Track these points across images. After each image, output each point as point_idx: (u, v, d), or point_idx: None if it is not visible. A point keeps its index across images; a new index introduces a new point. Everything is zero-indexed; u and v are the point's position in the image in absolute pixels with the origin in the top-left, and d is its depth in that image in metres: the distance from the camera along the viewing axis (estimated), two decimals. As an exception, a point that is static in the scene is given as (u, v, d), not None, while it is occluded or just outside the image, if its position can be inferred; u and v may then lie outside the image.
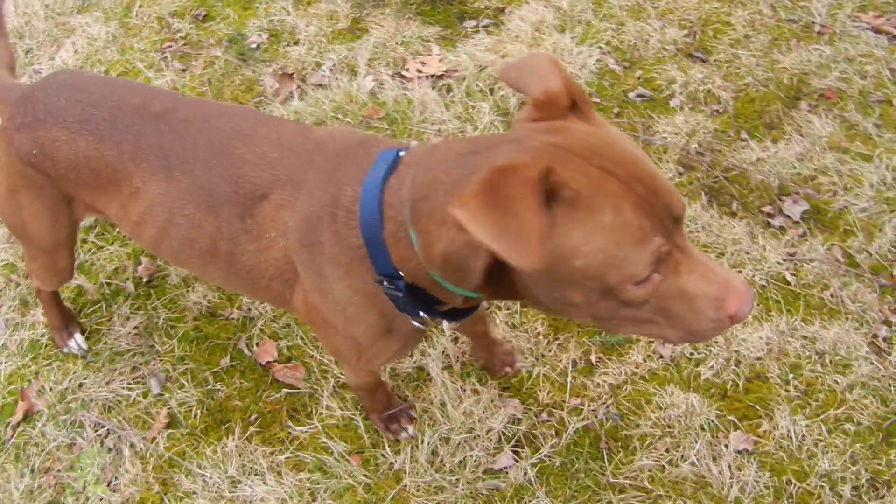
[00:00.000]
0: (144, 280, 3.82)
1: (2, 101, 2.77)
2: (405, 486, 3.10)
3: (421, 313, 2.22)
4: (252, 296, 2.71)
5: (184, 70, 4.70)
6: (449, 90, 4.40)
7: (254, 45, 4.80)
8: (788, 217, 3.76)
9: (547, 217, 1.68)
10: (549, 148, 1.79)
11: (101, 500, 3.20)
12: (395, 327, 2.37)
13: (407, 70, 4.55)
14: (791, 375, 3.31)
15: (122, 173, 2.54)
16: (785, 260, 3.61)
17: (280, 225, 2.33)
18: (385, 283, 2.14)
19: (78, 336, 3.60)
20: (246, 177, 2.37)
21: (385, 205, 2.08)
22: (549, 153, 1.78)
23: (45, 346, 3.64)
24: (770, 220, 3.76)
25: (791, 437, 3.16)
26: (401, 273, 2.11)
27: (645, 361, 3.36)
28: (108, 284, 3.81)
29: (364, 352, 2.47)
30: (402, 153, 2.16)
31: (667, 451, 3.15)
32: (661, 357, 3.36)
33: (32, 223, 2.85)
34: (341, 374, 3.40)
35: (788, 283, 3.55)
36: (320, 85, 4.52)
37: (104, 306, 3.74)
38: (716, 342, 3.36)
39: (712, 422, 3.19)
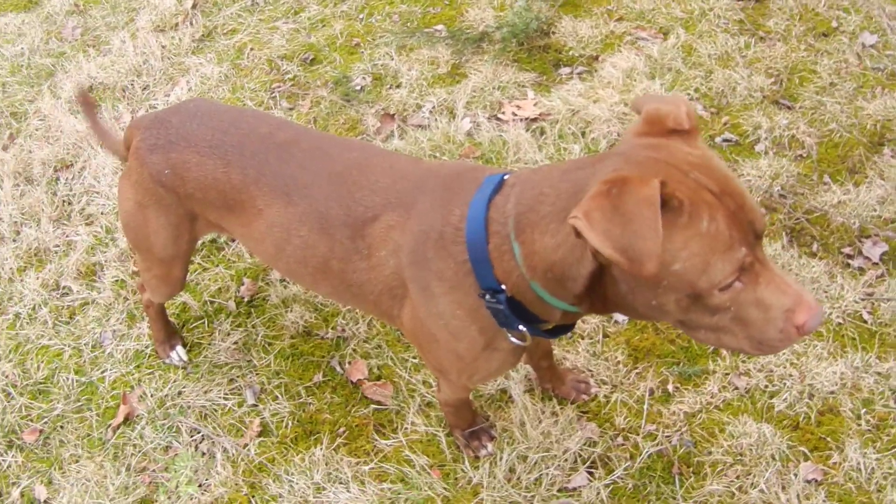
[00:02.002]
0: (246, 300, 4.02)
1: (136, 126, 2.99)
2: (482, 499, 3.21)
3: (521, 327, 2.32)
4: (361, 309, 2.87)
5: (291, 109, 4.91)
6: (542, 132, 4.54)
7: (358, 87, 4.99)
8: (868, 258, 3.80)
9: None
10: (653, 162, 1.93)
11: (191, 498, 3.37)
12: (495, 345, 2.47)
13: (503, 113, 4.69)
14: (863, 410, 3.35)
15: (245, 195, 2.73)
16: (862, 299, 3.66)
17: (390, 244, 2.48)
18: (488, 296, 2.26)
19: (180, 348, 3.80)
20: (359, 201, 2.54)
21: (490, 221, 2.22)
22: (653, 166, 1.92)
23: (149, 356, 3.85)
24: (849, 260, 3.81)
25: (861, 470, 3.19)
26: (503, 286, 2.24)
27: (720, 392, 3.42)
28: (212, 303, 4.02)
29: (465, 367, 2.58)
30: (506, 176, 2.30)
31: (737, 477, 3.20)
32: (737, 388, 3.43)
33: (156, 236, 3.04)
34: (428, 392, 3.53)
35: (865, 322, 3.60)
36: (420, 125, 4.69)
37: (206, 322, 3.94)
38: (790, 375, 3.43)
39: (783, 452, 3.24)
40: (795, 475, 3.19)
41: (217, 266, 4.16)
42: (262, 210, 2.71)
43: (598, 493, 3.19)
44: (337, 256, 2.59)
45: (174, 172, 2.84)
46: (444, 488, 3.27)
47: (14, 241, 4.49)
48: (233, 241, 4.24)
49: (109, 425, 3.65)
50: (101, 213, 4.51)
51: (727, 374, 3.48)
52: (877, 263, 3.79)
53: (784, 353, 3.50)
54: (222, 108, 3.00)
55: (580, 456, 3.30)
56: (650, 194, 1.78)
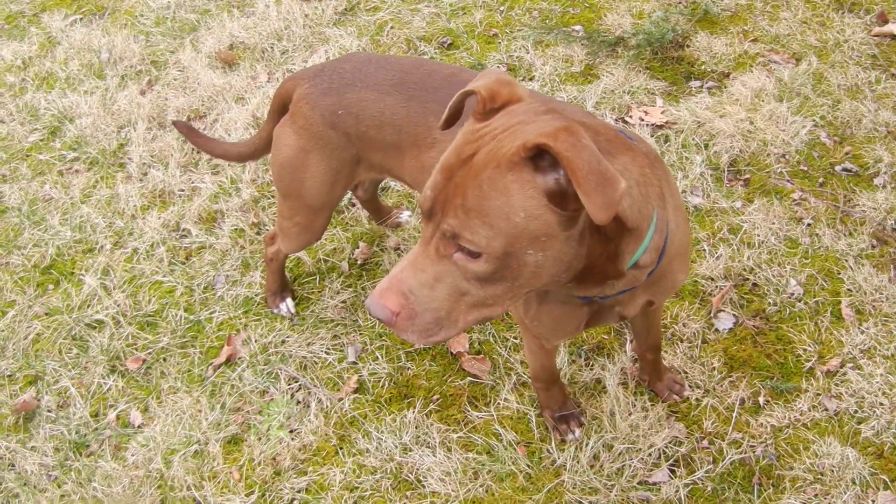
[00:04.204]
0: (359, 262, 4.14)
1: (299, 77, 3.18)
2: (563, 481, 3.28)
3: None
4: None
5: (422, 89, 5.03)
6: (666, 140, 4.60)
7: (491, 76, 5.10)
8: (974, 300, 3.80)
9: None
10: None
11: (281, 441, 3.49)
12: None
13: (630, 116, 4.76)
14: (951, 448, 3.35)
15: (422, 128, 2.91)
16: (964, 339, 3.67)
17: None
18: None
19: (289, 301, 3.93)
20: None
21: None
22: None
23: (258, 304, 4.00)
24: (955, 300, 3.82)
25: (941, 506, 3.20)
26: None
27: (810, 410, 3.44)
28: (325, 261, 4.16)
29: (528, 309, 2.65)
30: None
31: (815, 496, 3.21)
32: (826, 410, 3.45)
33: (312, 181, 3.21)
34: (524, 372, 3.61)
35: (963, 360, 3.60)
36: (546, 119, 4.75)
37: (318, 279, 4.08)
38: (881, 404, 3.44)
39: (864, 477, 3.25)
40: (873, 502, 3.20)
41: (335, 228, 4.29)
42: (438, 139, 2.87)
43: (677, 491, 3.23)
44: None
45: (348, 112, 3.02)
46: (528, 465, 3.34)
47: (140, 180, 4.67)
48: (353, 205, 4.37)
49: (211, 364, 3.80)
50: (228, 164, 4.66)
51: (819, 394, 3.50)
52: (982, 305, 3.78)
53: (878, 382, 3.51)
54: (396, 57, 3.21)
55: (664, 453, 3.35)
56: None
